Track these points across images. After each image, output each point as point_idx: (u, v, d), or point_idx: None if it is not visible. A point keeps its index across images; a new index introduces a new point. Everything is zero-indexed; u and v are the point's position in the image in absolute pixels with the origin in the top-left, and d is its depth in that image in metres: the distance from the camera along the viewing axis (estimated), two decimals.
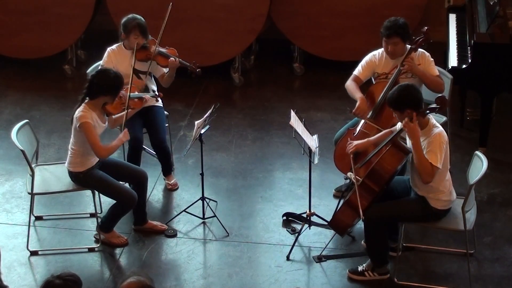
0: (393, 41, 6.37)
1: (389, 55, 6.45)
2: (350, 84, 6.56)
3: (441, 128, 5.67)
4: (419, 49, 6.50)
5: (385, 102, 6.31)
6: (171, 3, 6.80)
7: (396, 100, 5.63)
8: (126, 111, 6.23)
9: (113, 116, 6.30)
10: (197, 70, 6.82)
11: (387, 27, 6.37)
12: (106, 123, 6.19)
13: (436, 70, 6.50)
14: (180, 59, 6.75)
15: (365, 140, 6.01)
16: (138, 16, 6.74)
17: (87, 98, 6.05)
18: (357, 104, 6.40)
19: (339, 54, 8.53)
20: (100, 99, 6.04)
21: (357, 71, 6.60)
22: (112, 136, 6.38)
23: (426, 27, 6.52)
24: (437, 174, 5.62)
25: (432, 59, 6.51)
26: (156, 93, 6.72)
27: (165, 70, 6.83)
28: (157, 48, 6.71)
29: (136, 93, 6.50)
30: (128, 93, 6.27)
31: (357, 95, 6.46)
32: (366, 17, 8.27)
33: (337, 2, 8.42)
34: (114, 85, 6.03)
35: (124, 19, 6.75)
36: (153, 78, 6.92)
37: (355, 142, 5.99)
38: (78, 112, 6.00)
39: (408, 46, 6.44)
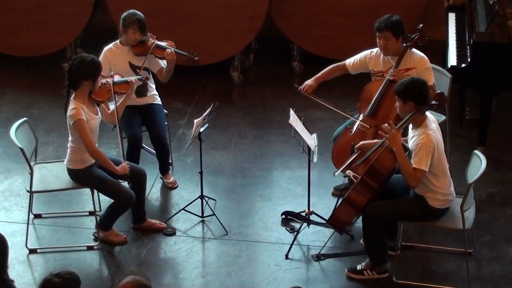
0: (384, 35, 6.38)
1: (382, 51, 6.46)
2: (330, 66, 6.71)
3: (432, 130, 5.65)
4: (419, 53, 6.50)
5: (382, 100, 6.34)
6: None
7: (404, 89, 5.65)
8: (113, 95, 6.21)
9: (109, 111, 6.30)
10: (195, 59, 6.83)
11: (379, 21, 6.41)
12: (99, 114, 6.18)
13: (431, 79, 6.44)
14: (178, 50, 6.74)
15: (374, 140, 6.02)
16: (138, 12, 6.74)
17: (71, 90, 6.05)
18: (307, 80, 6.58)
19: (338, 53, 8.49)
20: (83, 87, 6.02)
21: (348, 61, 6.65)
22: (110, 136, 6.39)
23: (421, 25, 6.54)
24: (431, 174, 5.63)
25: (429, 66, 6.48)
26: (143, 77, 6.62)
27: (163, 64, 6.82)
28: (155, 42, 6.70)
29: (121, 78, 6.46)
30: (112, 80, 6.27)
31: (317, 75, 6.65)
32: (365, 16, 8.26)
33: (336, 1, 8.42)
34: (91, 67, 6.03)
35: (124, 14, 6.76)
36: (152, 77, 6.91)
37: (363, 142, 6.00)
38: (69, 111, 6.01)
39: (404, 44, 6.45)
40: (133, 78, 6.48)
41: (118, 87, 6.31)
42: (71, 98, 6.05)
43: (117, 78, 6.36)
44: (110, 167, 6.10)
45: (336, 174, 6.04)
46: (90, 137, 6.01)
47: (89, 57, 6.11)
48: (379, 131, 5.83)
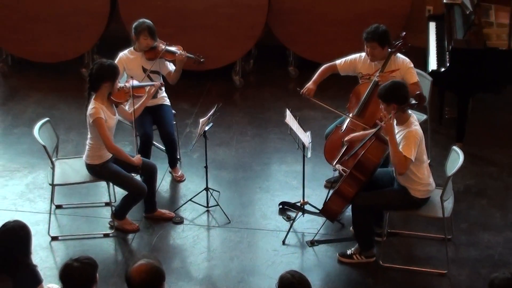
0: (371, 45, 6.40)
1: (369, 57, 6.47)
2: (323, 67, 6.68)
3: (418, 126, 5.68)
4: (401, 56, 6.51)
5: (369, 101, 6.35)
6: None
7: (385, 93, 5.65)
8: (132, 98, 6.24)
9: (129, 111, 6.31)
10: (201, 60, 6.83)
11: (367, 32, 6.42)
12: (117, 114, 6.19)
13: (414, 77, 6.46)
14: (186, 52, 6.75)
15: (361, 133, 6.03)
16: (147, 20, 6.74)
17: (92, 92, 6.06)
18: (307, 84, 6.50)
19: (330, 58, 8.41)
20: (103, 89, 6.03)
21: (339, 61, 6.64)
22: (125, 134, 6.39)
23: (404, 32, 6.55)
24: (414, 166, 5.63)
25: (411, 66, 6.48)
26: (157, 82, 6.66)
27: (172, 68, 6.83)
28: (165, 47, 6.71)
29: (138, 83, 6.49)
30: (131, 84, 6.29)
31: (314, 78, 6.58)
32: (354, 25, 8.24)
33: (328, 12, 8.41)
34: (110, 70, 6.04)
35: (135, 23, 6.77)
36: (161, 78, 6.92)
37: (352, 135, 6.01)
38: (89, 110, 6.02)
39: (389, 50, 6.46)
40: (149, 84, 6.50)
41: (135, 90, 6.33)
42: (92, 99, 6.06)
43: (135, 82, 6.38)
44: (127, 159, 6.12)
45: (335, 165, 6.05)
46: (108, 134, 6.01)
47: (107, 62, 6.12)
48: (376, 121, 5.79)
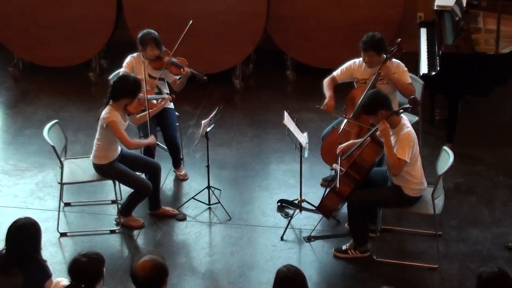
0: (369, 54, 6.40)
1: (367, 65, 6.47)
2: (326, 81, 6.62)
3: (410, 128, 5.67)
4: (396, 60, 6.51)
5: None
6: (191, 21, 6.82)
7: (368, 106, 5.64)
8: (147, 111, 6.27)
9: (137, 116, 6.32)
10: (204, 78, 6.84)
11: (364, 41, 6.39)
12: (127, 121, 6.20)
13: (409, 78, 6.50)
14: (190, 69, 6.75)
15: (350, 142, 6.02)
16: (152, 31, 6.74)
17: (111, 100, 6.06)
18: (325, 101, 6.45)
19: (326, 62, 8.49)
20: (122, 101, 6.05)
21: (335, 72, 6.63)
22: (130, 135, 6.38)
23: (399, 39, 6.54)
24: (409, 166, 5.62)
25: (406, 69, 6.52)
26: (169, 96, 6.72)
27: (177, 77, 6.84)
28: (170, 59, 6.71)
29: (152, 95, 6.52)
30: (146, 95, 6.30)
31: (328, 93, 6.51)
32: (349, 31, 8.26)
33: (324, 19, 8.41)
34: (133, 88, 6.04)
35: (140, 34, 6.74)
36: (166, 84, 6.92)
37: (342, 146, 6.00)
38: (104, 114, 6.01)
39: (384, 56, 6.46)
40: (162, 97, 6.52)
41: (149, 103, 6.38)
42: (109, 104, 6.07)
43: (149, 95, 6.38)
44: (145, 144, 6.25)
45: (332, 165, 6.05)
46: (125, 134, 6.03)
47: (132, 78, 6.12)
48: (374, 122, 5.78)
